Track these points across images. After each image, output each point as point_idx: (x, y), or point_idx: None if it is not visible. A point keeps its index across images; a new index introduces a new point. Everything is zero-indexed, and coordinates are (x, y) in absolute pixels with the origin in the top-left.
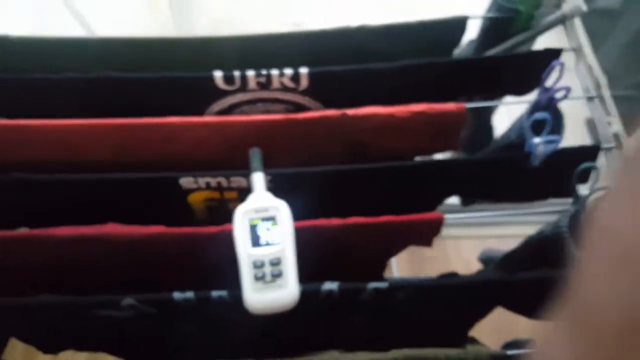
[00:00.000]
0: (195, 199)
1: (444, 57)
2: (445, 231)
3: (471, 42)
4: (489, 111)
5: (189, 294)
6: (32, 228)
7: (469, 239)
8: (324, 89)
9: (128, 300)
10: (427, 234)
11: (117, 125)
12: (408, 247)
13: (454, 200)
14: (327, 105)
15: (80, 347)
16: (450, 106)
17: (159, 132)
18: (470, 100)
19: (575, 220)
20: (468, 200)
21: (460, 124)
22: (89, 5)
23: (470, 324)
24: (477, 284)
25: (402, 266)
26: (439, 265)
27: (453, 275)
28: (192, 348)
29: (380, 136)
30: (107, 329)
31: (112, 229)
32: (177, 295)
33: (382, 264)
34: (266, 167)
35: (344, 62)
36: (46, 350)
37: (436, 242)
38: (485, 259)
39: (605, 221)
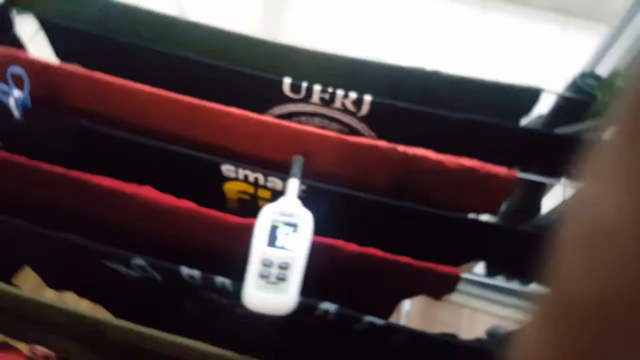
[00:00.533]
0: (230, 188)
1: (510, 121)
2: (465, 300)
3: (540, 116)
4: (541, 189)
5: (196, 272)
6: (80, 170)
7: (487, 314)
8: (382, 121)
9: (139, 260)
10: (440, 287)
11: (188, 103)
12: (418, 294)
13: (481, 270)
14: (381, 136)
15: (83, 293)
16: (501, 170)
17: (221, 119)
18: (525, 171)
19: None
20: (493, 271)
21: (506, 191)
22: None
23: None
24: (474, 350)
25: (412, 319)
26: (447, 329)
27: (453, 336)
28: (182, 325)
29: (424, 180)
30: (111, 283)
31: (148, 192)
32: (184, 269)
33: (389, 306)
34: (304, 177)
35: (409, 100)
36: (51, 284)
37: (453, 308)
38: (491, 333)
39: (577, 201)
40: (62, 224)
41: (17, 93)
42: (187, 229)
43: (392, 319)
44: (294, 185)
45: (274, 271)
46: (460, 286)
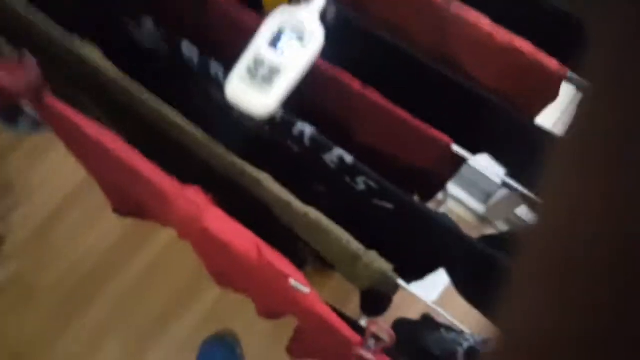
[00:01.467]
0: None
1: None
2: None
3: None
4: None
5: (195, 51)
6: None
7: None
8: None
9: (148, 22)
10: (431, 153)
11: None
12: (411, 162)
13: None
14: None
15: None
16: (552, 63)
17: None
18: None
19: None
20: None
21: (551, 90)
22: None
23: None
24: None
25: None
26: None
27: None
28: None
29: (469, 50)
30: (126, 44)
31: None
32: (185, 44)
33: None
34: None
35: None
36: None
37: None
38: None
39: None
40: None
41: None
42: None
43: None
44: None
45: (262, 71)
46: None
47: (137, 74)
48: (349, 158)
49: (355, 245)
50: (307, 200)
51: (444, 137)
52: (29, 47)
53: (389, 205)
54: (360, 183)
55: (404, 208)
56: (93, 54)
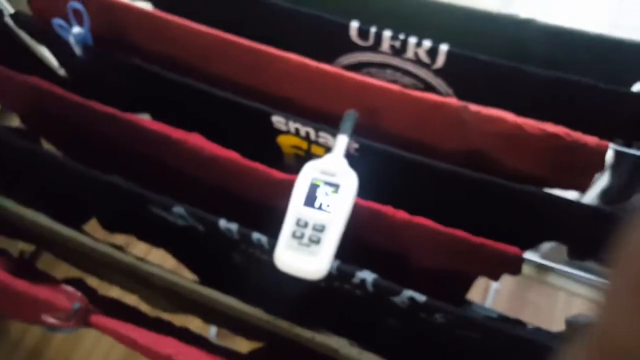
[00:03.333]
0: (284, 141)
1: (614, 85)
2: (561, 282)
3: None
4: None
5: (233, 226)
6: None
7: (585, 299)
8: (461, 75)
9: (179, 209)
10: (498, 267)
11: (248, 47)
12: (474, 275)
13: None
14: (459, 94)
15: (138, 235)
16: (592, 140)
17: (280, 65)
18: (626, 145)
19: None
20: (576, 254)
21: (597, 164)
22: None
23: None
24: (515, 339)
25: (499, 300)
26: (539, 313)
27: (516, 322)
28: (231, 275)
29: (499, 146)
30: (160, 228)
31: (194, 139)
32: (222, 222)
33: (444, 284)
34: (361, 134)
35: (495, 53)
36: (106, 226)
37: (548, 290)
38: (572, 322)
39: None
40: (113, 164)
41: (76, 29)
42: (230, 180)
43: (478, 299)
44: (342, 141)
45: (308, 232)
46: (558, 266)
47: (170, 243)
48: (421, 298)
49: None
50: (377, 335)
51: (511, 249)
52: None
53: (476, 335)
54: (440, 318)
55: (492, 335)
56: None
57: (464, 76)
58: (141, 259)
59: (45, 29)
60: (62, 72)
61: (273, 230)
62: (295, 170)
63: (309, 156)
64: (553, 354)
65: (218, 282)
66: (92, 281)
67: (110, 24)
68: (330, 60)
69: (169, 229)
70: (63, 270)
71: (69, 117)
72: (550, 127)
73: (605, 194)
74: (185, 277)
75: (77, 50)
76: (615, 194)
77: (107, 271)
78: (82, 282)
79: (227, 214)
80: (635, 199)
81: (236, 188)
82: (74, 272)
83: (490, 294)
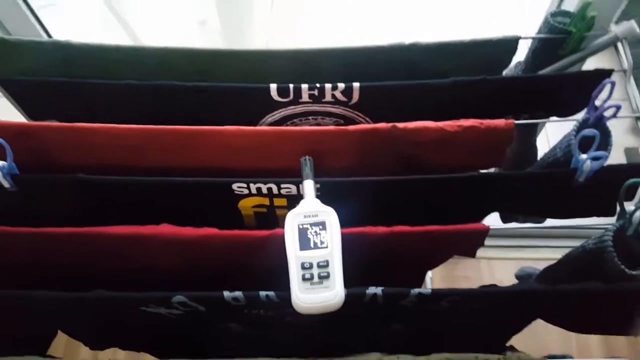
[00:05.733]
0: (245, 204)
1: (493, 74)
2: (479, 252)
3: (519, 63)
4: (534, 131)
5: (238, 293)
6: (89, 226)
7: (503, 260)
8: (375, 104)
9: (179, 298)
10: (471, 244)
11: (180, 131)
12: (451, 256)
13: (491, 221)
14: (376, 120)
15: (125, 345)
16: (499, 122)
17: (217, 140)
18: (517, 118)
19: (620, 236)
20: (509, 217)
21: (508, 140)
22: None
23: (510, 334)
24: (520, 294)
25: (435, 284)
26: (471, 284)
27: (493, 286)
28: (237, 347)
29: (430, 150)
30: (153, 327)
31: (166, 229)
32: (227, 294)
33: (422, 274)
34: (316, 176)
35: (396, 78)
36: (91, 345)
37: (470, 263)
38: (523, 275)
39: None
40: (86, 283)
41: (0, 163)
42: (215, 255)
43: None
44: (309, 185)
45: (316, 271)
46: None
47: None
48: (427, 291)
49: (495, 356)
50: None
51: (480, 226)
52: None
53: (479, 305)
54: (445, 304)
55: (495, 301)
56: None
57: (377, 104)
58: None
59: None
60: None
61: (268, 287)
62: (256, 228)
63: (271, 210)
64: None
65: None
66: None
67: (30, 149)
68: (256, 121)
69: (162, 325)
70: None
71: (23, 252)
72: (465, 122)
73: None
74: None
75: (6, 184)
76: (524, 160)
77: None
78: None
79: (219, 287)
80: (541, 160)
81: (222, 260)
82: None
83: (428, 280)
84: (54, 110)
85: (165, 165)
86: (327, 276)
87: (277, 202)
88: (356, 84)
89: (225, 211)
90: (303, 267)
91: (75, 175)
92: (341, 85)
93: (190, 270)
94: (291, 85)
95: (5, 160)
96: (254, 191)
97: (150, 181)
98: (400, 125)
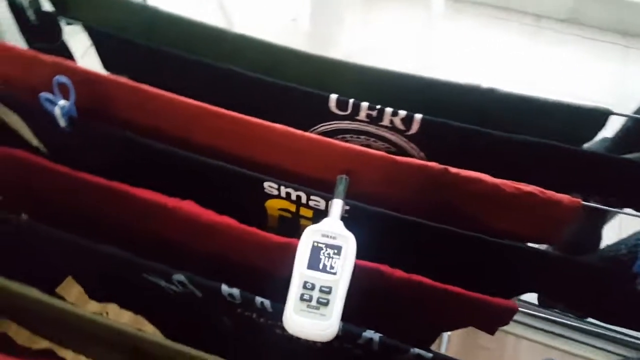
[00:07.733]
0: (271, 205)
1: (572, 144)
2: (510, 327)
3: (604, 139)
4: (603, 218)
5: (235, 291)
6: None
7: (532, 342)
8: (433, 140)
9: (179, 276)
10: (493, 320)
11: (231, 117)
12: (467, 326)
13: (529, 296)
14: (431, 157)
15: (124, 304)
16: (563, 197)
17: (264, 134)
18: (586, 199)
19: None
20: (548, 302)
21: (569, 220)
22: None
23: None
24: None
25: (452, 347)
26: (491, 357)
27: None
28: (222, 339)
29: (477, 205)
30: (151, 297)
31: (189, 206)
32: (224, 288)
33: (432, 335)
34: (348, 197)
35: (462, 119)
36: (93, 295)
37: (497, 335)
38: None
39: None
40: (104, 234)
41: (62, 102)
42: (227, 246)
43: (433, 346)
44: (337, 205)
45: (316, 295)
46: None
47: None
48: (427, 354)
49: None
50: None
51: (506, 302)
52: None
53: None
54: None
55: None
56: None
57: (436, 141)
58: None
59: (26, 101)
60: (40, 146)
61: (267, 292)
62: (277, 231)
63: (296, 218)
64: None
65: (198, 344)
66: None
67: (92, 97)
68: (308, 127)
69: (159, 296)
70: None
71: (55, 190)
72: (525, 187)
73: (563, 246)
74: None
75: (62, 123)
76: (577, 244)
77: (84, 341)
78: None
79: (222, 278)
80: (603, 251)
81: (232, 253)
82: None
83: (444, 341)
84: (126, 68)
85: (208, 144)
86: (326, 303)
87: (303, 211)
88: (418, 115)
89: (252, 206)
90: (305, 286)
91: (125, 132)
92: (402, 113)
93: (199, 253)
94: (351, 100)
95: (68, 100)
96: (283, 194)
97: (190, 157)
98: (453, 170)
